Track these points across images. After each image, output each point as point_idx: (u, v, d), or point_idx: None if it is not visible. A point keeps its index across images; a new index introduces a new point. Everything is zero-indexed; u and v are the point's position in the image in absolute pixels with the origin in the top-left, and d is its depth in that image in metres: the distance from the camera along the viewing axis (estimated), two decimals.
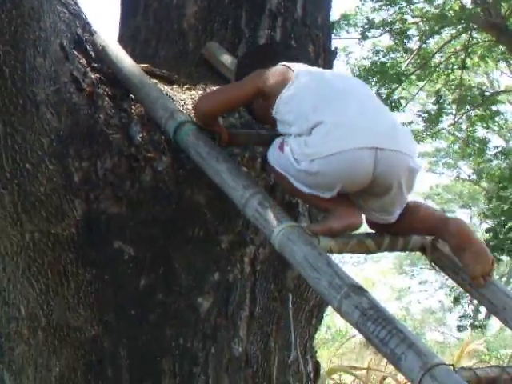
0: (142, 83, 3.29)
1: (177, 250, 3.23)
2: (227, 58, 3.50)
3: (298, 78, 3.03)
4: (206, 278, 3.26)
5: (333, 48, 3.91)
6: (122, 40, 3.64)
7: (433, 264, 3.08)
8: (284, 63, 3.09)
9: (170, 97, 3.27)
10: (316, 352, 3.77)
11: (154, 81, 3.35)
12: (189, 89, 3.40)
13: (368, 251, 2.96)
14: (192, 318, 3.24)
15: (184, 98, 3.33)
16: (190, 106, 3.30)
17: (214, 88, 3.44)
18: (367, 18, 21.03)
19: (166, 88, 3.35)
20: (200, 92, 3.39)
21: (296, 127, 2.92)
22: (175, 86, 3.40)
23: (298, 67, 3.10)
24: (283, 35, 3.60)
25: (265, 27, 3.59)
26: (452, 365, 2.46)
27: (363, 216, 3.00)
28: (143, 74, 3.34)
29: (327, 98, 2.94)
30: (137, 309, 3.22)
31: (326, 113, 2.87)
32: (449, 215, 3.15)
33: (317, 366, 3.67)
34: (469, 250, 2.86)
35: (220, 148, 3.08)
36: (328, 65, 3.76)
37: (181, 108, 3.24)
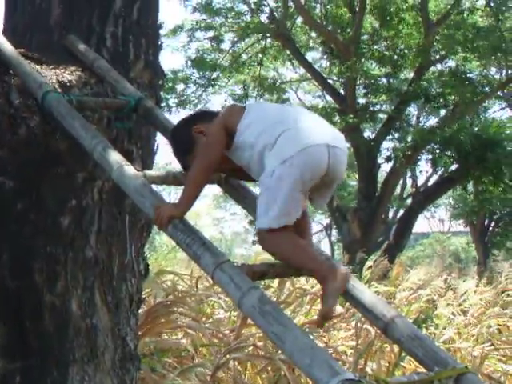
0: (19, 63, 3.20)
1: (45, 183, 3.15)
2: (82, 47, 3.44)
3: (250, 109, 2.74)
4: (66, 203, 3.20)
5: (160, 43, 3.89)
6: (4, 32, 3.53)
7: (226, 194, 3.13)
8: (233, 103, 2.94)
9: (39, 73, 3.19)
10: (146, 256, 3.78)
11: (28, 61, 3.26)
12: (54, 68, 3.32)
13: (181, 184, 2.96)
14: (56, 231, 3.18)
15: (50, 75, 3.24)
16: (54, 80, 3.22)
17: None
18: (191, 29, 21.27)
19: (37, 67, 3.25)
20: (62, 71, 3.33)
21: (260, 143, 2.60)
22: (44, 66, 3.31)
23: (248, 103, 2.87)
24: (123, 31, 3.55)
25: (110, 25, 3.53)
26: (235, 262, 2.54)
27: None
28: (20, 56, 3.24)
29: (282, 116, 2.66)
30: (15, 225, 3.14)
31: (286, 124, 2.59)
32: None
33: (146, 266, 3.68)
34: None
35: (75, 110, 3.05)
36: (156, 54, 3.74)
37: (47, 81, 3.17)
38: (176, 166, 2.97)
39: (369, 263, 12.07)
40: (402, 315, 2.70)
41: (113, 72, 3.38)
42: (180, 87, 22.67)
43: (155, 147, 3.68)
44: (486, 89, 19.10)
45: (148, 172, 2.81)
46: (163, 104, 21.57)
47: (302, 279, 10.42)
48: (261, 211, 2.58)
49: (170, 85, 21.76)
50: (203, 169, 2.68)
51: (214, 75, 22.41)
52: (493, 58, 18.32)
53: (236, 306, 2.45)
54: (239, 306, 2.37)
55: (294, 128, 2.58)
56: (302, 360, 2.15)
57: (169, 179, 2.92)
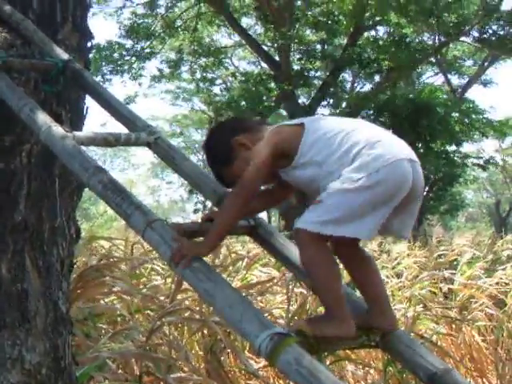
0: None
1: None
2: (8, 8, 3.35)
3: (310, 127, 2.53)
4: None
5: (87, 4, 3.84)
6: None
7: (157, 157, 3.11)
8: (282, 124, 2.65)
9: None
10: (77, 220, 3.76)
11: None
12: None
13: (110, 145, 2.95)
14: None
15: None
16: None
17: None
18: None
19: None
20: None
21: (330, 163, 2.41)
22: None
23: (304, 120, 2.59)
24: None
25: None
26: (166, 220, 2.55)
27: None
28: None
29: (351, 133, 2.44)
30: None
31: (360, 141, 2.40)
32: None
33: (78, 230, 3.67)
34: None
35: (0, 71, 3.02)
36: (84, 16, 3.69)
37: None
38: (110, 128, 2.95)
39: None
40: None
41: (40, 34, 3.32)
42: (113, 56, 22.51)
43: (85, 110, 3.66)
44: (420, 55, 19.37)
45: (77, 133, 2.79)
46: (96, 71, 21.35)
47: (238, 245, 10.51)
48: (317, 209, 2.38)
49: (104, 53, 21.57)
50: (244, 201, 2.48)
51: (148, 43, 22.30)
52: (426, 22, 18.54)
53: (167, 265, 2.48)
54: (169, 264, 2.39)
55: (370, 144, 2.39)
56: (233, 316, 2.19)
57: (98, 141, 2.90)
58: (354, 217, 2.33)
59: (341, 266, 2.58)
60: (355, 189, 2.32)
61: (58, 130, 2.71)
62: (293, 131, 2.56)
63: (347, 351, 5.77)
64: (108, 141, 2.90)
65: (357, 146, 2.39)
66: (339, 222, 2.32)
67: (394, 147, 2.42)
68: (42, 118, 2.78)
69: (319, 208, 2.36)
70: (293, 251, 2.74)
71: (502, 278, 8.45)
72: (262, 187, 2.72)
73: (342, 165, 2.39)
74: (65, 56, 3.29)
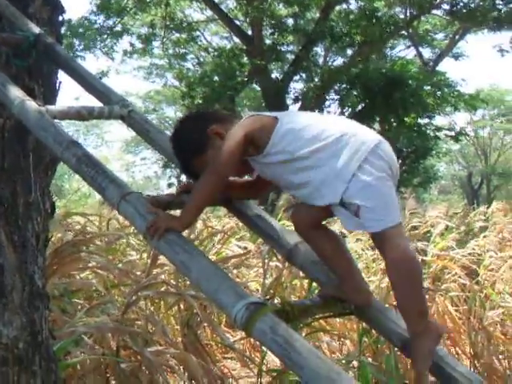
0: None
1: None
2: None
3: (283, 119, 2.52)
4: None
5: None
6: None
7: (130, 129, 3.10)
8: (256, 113, 2.60)
9: None
10: (52, 195, 3.74)
11: None
12: None
13: (83, 118, 2.93)
14: None
15: None
16: None
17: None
18: None
19: None
20: None
21: (304, 151, 2.42)
22: None
23: (277, 114, 2.57)
24: None
25: None
26: (140, 192, 2.55)
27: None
28: None
29: (321, 126, 2.47)
30: None
31: (333, 133, 2.43)
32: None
33: (52, 204, 3.65)
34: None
35: None
36: None
37: None
38: (83, 102, 2.93)
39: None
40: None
41: (10, 8, 3.29)
42: (86, 33, 22.28)
43: (57, 84, 3.63)
44: (391, 28, 19.39)
45: (50, 107, 2.78)
46: (69, 49, 21.16)
47: (214, 220, 10.52)
48: (371, 209, 2.37)
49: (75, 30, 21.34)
50: (218, 178, 2.45)
51: (119, 19, 22.11)
52: None
53: (142, 237, 2.48)
54: (145, 237, 2.40)
55: (350, 133, 2.44)
56: (209, 287, 2.20)
57: (71, 114, 2.89)
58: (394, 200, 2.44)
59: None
60: (377, 177, 2.37)
61: (31, 104, 2.69)
62: (266, 120, 2.55)
63: (322, 322, 5.82)
64: (81, 114, 2.89)
65: (331, 136, 2.43)
66: (393, 207, 2.41)
67: (366, 134, 2.48)
68: (15, 92, 2.76)
69: (371, 207, 2.37)
70: (270, 222, 2.75)
71: (474, 249, 8.52)
72: (241, 178, 2.75)
73: (314, 152, 2.43)
74: (36, 30, 3.26)
